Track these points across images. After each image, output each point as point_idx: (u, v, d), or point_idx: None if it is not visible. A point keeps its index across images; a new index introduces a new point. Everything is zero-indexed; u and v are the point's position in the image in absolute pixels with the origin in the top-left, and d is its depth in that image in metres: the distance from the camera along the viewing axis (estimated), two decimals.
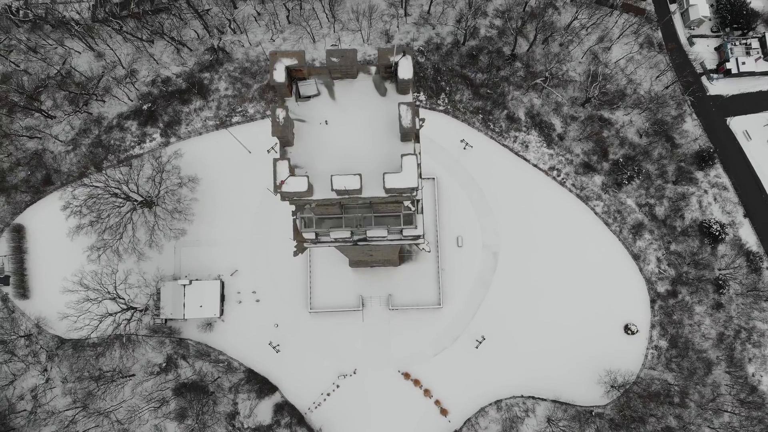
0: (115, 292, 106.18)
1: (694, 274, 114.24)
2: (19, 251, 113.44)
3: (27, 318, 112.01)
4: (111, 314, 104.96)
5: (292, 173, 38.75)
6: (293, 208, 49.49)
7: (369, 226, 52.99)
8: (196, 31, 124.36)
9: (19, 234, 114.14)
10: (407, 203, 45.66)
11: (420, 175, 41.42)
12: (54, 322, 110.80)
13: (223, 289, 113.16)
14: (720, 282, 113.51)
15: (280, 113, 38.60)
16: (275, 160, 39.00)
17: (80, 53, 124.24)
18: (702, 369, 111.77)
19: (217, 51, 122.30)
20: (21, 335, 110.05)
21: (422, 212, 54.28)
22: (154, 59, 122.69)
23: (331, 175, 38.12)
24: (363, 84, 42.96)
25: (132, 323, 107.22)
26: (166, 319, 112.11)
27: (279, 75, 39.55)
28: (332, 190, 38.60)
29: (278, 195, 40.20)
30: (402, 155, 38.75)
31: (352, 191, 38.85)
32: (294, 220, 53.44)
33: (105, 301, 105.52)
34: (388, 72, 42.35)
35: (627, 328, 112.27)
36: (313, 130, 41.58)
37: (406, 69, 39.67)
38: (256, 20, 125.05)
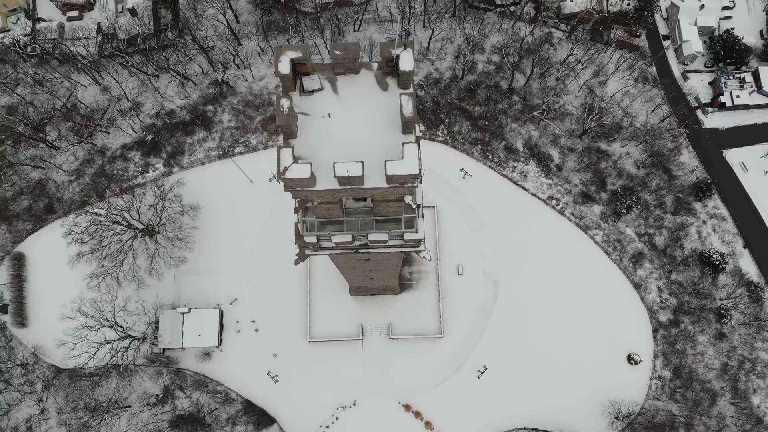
0: (113, 319, 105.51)
1: (696, 304, 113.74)
2: (18, 279, 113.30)
3: (24, 347, 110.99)
4: (109, 342, 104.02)
5: (295, 162, 39.40)
6: (296, 206, 49.94)
7: (370, 230, 53.45)
8: (200, 66, 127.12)
9: (19, 262, 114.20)
10: (408, 200, 46.12)
11: (421, 164, 42.07)
12: (51, 351, 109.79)
13: (222, 318, 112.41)
14: (722, 311, 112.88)
15: (285, 103, 39.47)
16: (279, 147, 39.73)
17: (86, 87, 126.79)
18: (707, 400, 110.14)
19: (221, 85, 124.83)
20: (17, 364, 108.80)
21: (422, 217, 54.70)
22: (159, 93, 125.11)
23: (334, 162, 38.69)
24: (365, 79, 44.03)
25: (130, 351, 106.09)
26: (164, 349, 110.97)
27: (284, 67, 40.60)
28: (335, 177, 39.08)
29: (281, 183, 40.78)
30: (403, 143, 39.42)
31: (355, 179, 39.36)
32: (296, 224, 53.86)
33: (103, 328, 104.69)
34: (390, 67, 43.46)
35: (630, 358, 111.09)
36: (317, 123, 42.47)
37: (407, 61, 40.74)
38: (259, 56, 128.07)
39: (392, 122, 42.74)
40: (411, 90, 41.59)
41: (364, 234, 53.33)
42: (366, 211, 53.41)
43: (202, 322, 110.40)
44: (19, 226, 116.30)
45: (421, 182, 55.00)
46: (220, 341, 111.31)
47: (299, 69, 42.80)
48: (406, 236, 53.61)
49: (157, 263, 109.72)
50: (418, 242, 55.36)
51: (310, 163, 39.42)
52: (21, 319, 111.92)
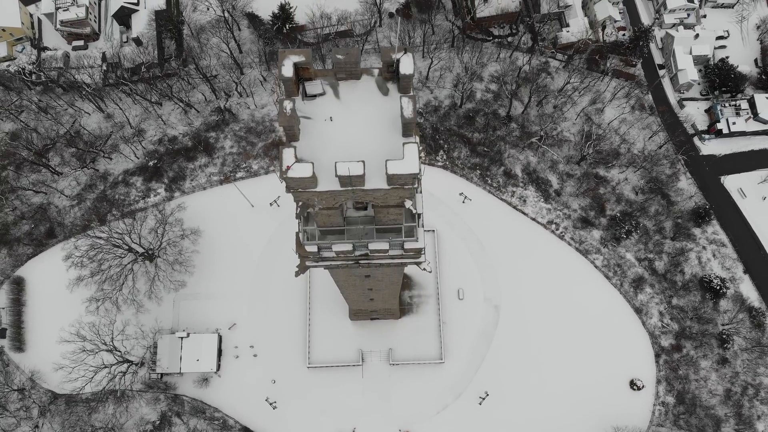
0: (111, 343, 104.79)
1: (698, 329, 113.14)
2: (17, 304, 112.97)
3: (21, 372, 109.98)
4: (106, 366, 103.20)
5: (297, 162, 39.91)
6: (297, 212, 50.27)
7: (371, 239, 53.66)
8: (203, 94, 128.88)
9: (18, 286, 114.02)
10: (409, 204, 46.49)
11: (421, 163, 42.58)
12: (48, 376, 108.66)
13: (220, 343, 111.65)
14: (724, 337, 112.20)
15: (288, 104, 40.15)
16: (282, 147, 40.25)
17: (90, 114, 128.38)
18: (711, 426, 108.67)
19: (223, 112, 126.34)
20: (14, 389, 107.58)
21: (423, 227, 54.96)
22: (162, 119, 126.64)
23: (335, 161, 39.18)
24: (366, 84, 44.83)
25: (127, 376, 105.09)
26: (161, 374, 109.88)
27: (287, 70, 41.39)
28: (336, 176, 39.52)
29: (283, 183, 41.23)
30: (404, 143, 39.98)
31: (356, 178, 39.81)
32: (297, 234, 54.07)
33: (101, 352, 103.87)
34: (390, 72, 44.29)
35: (633, 384, 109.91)
36: (319, 127, 43.14)
37: (407, 65, 41.54)
38: (261, 84, 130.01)
39: (393, 126, 43.36)
40: (411, 93, 42.32)
41: (365, 243, 53.44)
42: (367, 221, 53.66)
43: (201, 346, 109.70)
44: (19, 251, 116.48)
45: (420, 192, 55.61)
46: (219, 366, 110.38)
47: (302, 74, 43.59)
48: (407, 245, 53.71)
49: (156, 287, 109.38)
50: (418, 252, 55.42)
51: (312, 163, 39.89)
52: (19, 344, 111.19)
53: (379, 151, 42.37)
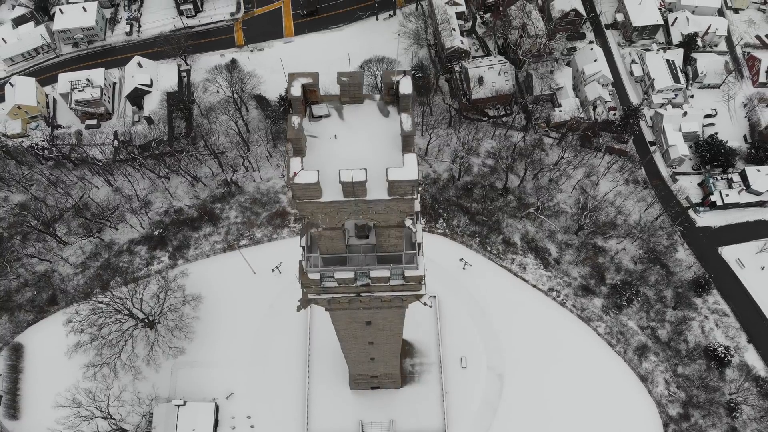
0: (107, 410, 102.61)
1: (705, 397, 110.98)
2: (14, 371, 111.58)
3: None
4: None
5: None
6: (300, 229, 51.79)
7: (372, 266, 54.99)
8: (210, 169, 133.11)
9: (17, 353, 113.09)
10: (409, 223, 48.19)
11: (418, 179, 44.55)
12: None
13: (217, 413, 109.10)
14: (732, 405, 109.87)
15: (296, 119, 42.85)
16: (288, 158, 42.53)
17: (99, 188, 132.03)
18: None
19: (229, 184, 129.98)
20: None
21: (423, 255, 56.31)
22: (169, 192, 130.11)
23: (339, 169, 41.34)
24: (369, 107, 47.94)
25: None
26: None
27: (296, 90, 44.39)
28: (340, 182, 41.57)
29: (289, 192, 43.13)
30: (403, 153, 42.33)
31: (358, 185, 41.85)
32: (300, 262, 55.42)
33: (96, 419, 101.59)
34: (391, 96, 47.37)
35: None
36: (324, 144, 45.76)
37: (406, 86, 44.60)
38: (267, 159, 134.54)
39: (393, 143, 45.87)
40: (410, 111, 45.13)
41: (366, 271, 54.65)
42: (368, 249, 55.18)
43: (197, 416, 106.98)
44: (20, 317, 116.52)
45: (421, 223, 57.39)
46: None
47: (309, 96, 46.61)
48: (408, 273, 54.87)
49: (155, 352, 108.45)
50: (419, 282, 56.46)
51: (317, 170, 42.03)
52: (13, 411, 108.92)
53: (380, 165, 44.55)
